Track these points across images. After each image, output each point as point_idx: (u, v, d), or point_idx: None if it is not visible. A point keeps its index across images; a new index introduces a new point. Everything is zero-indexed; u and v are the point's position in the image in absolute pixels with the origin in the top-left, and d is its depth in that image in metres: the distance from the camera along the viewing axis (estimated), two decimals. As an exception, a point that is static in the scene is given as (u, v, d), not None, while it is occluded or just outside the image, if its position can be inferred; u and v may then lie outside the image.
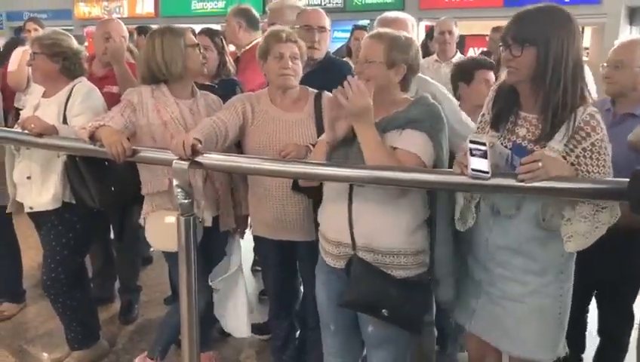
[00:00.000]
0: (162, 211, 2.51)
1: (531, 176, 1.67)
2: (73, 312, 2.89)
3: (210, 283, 2.62)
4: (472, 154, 1.68)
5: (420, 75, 2.37)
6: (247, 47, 3.69)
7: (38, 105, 2.79)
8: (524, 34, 1.76)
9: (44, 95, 2.83)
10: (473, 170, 1.68)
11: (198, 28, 4.63)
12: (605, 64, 2.52)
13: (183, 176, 2.10)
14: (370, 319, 2.04)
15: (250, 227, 2.70)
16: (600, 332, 2.71)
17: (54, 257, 2.77)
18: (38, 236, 2.94)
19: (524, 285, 1.90)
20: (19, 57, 4.84)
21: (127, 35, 3.43)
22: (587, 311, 2.80)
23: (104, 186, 2.60)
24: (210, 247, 2.57)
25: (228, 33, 3.69)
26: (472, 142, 1.69)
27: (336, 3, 14.11)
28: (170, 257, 2.55)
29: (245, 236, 2.88)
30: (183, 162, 2.09)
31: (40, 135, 2.47)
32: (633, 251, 2.36)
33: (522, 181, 1.68)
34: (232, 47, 3.82)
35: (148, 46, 2.50)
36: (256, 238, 2.66)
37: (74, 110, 2.70)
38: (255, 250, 3.88)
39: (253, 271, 4.20)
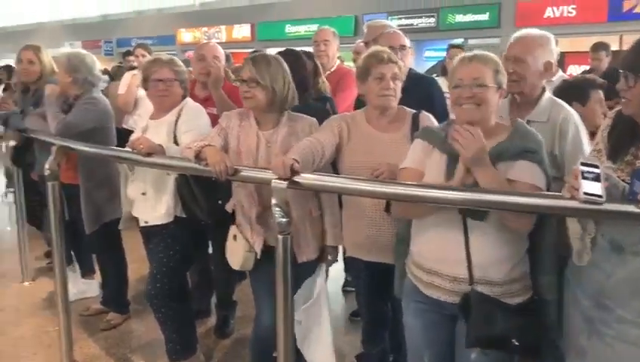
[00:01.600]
0: (235, 227, 2.62)
1: None
2: (174, 323, 3.00)
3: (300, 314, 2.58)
4: (584, 178, 1.57)
5: (555, 98, 2.37)
6: (333, 70, 3.77)
7: (146, 127, 2.96)
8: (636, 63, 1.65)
9: (153, 117, 2.99)
10: (585, 193, 1.57)
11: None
12: None
13: (282, 196, 2.14)
14: (472, 350, 1.95)
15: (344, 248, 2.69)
16: None
17: (161, 269, 2.90)
18: (146, 250, 3.11)
19: None
20: (128, 81, 5.20)
21: (220, 55, 3.53)
22: None
23: (213, 200, 2.74)
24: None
25: (325, 54, 3.78)
26: (583, 164, 1.59)
27: (429, 22, 14.04)
28: (251, 275, 2.69)
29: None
30: (281, 182, 2.13)
31: (148, 154, 2.61)
32: None
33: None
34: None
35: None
36: (348, 258, 2.65)
37: (183, 128, 2.84)
38: (347, 270, 3.86)
39: (344, 291, 4.19)
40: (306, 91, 3.04)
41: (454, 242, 1.94)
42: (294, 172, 2.12)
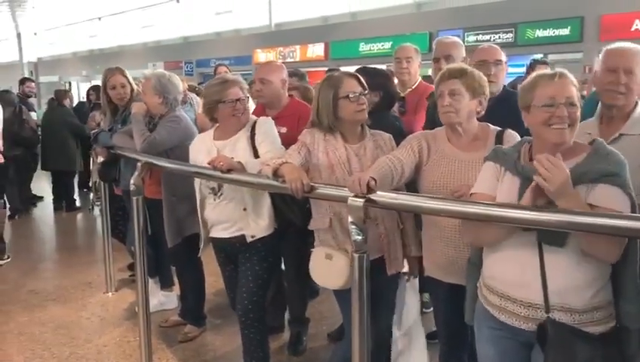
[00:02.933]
0: (323, 248, 2.60)
1: None
2: (262, 338, 3.03)
3: (397, 333, 2.65)
4: None
5: None
6: (414, 87, 3.73)
7: (215, 149, 2.96)
8: None
9: (217, 138, 3.02)
10: None
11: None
12: None
13: (358, 213, 2.12)
14: None
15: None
16: None
17: (257, 281, 2.95)
18: (222, 266, 3.18)
19: None
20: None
21: (277, 74, 3.45)
22: None
23: (303, 205, 2.81)
24: (378, 289, 2.54)
25: (407, 71, 3.76)
26: None
27: (507, 38, 13.70)
28: (339, 294, 2.61)
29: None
30: (358, 199, 2.12)
31: (228, 171, 2.67)
32: None
33: None
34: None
35: (315, 92, 2.65)
36: (427, 278, 2.60)
37: (260, 139, 2.92)
38: (425, 291, 3.79)
39: (422, 313, 4.10)
40: (390, 109, 3.08)
41: (529, 265, 1.85)
42: (370, 190, 2.11)
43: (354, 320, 2.20)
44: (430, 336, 3.53)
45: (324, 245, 2.64)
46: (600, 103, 2.42)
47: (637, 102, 2.34)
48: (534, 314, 1.86)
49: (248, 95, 3.06)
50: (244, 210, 2.92)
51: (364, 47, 17.17)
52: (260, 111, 3.50)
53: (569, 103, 1.82)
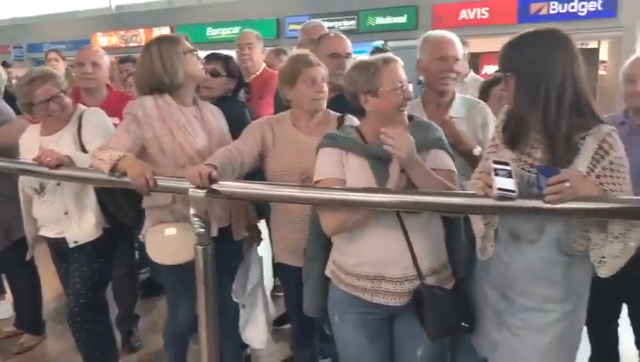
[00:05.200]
0: (161, 225, 2.47)
1: (559, 197, 1.60)
2: (97, 341, 2.86)
3: (235, 299, 2.65)
4: (497, 174, 1.63)
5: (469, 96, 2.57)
6: (258, 73, 3.72)
7: (39, 145, 2.70)
8: (507, 63, 1.80)
9: (43, 133, 2.77)
10: (499, 189, 1.62)
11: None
12: (628, 78, 2.49)
13: (201, 205, 2.08)
14: (421, 342, 2.00)
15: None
16: (638, 343, 2.67)
17: (85, 283, 2.74)
18: (57, 267, 2.95)
19: (546, 314, 1.83)
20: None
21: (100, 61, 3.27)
22: (617, 325, 2.77)
23: (136, 203, 2.58)
24: (227, 258, 2.52)
25: (249, 57, 3.72)
26: (495, 162, 1.65)
27: (350, 25, 14.22)
28: (168, 272, 2.54)
29: (265, 259, 2.87)
30: (200, 190, 2.07)
31: (57, 166, 2.45)
32: None
33: (549, 202, 1.61)
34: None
35: (145, 58, 2.47)
36: (277, 264, 2.63)
37: (88, 136, 2.69)
38: (276, 275, 3.84)
39: (273, 296, 4.15)
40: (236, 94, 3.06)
41: (397, 242, 1.96)
42: (212, 180, 2.06)
43: (200, 318, 2.16)
44: (277, 322, 3.59)
45: (159, 223, 2.49)
46: (426, 89, 2.59)
47: (454, 90, 2.56)
48: (410, 285, 1.96)
49: (66, 85, 2.79)
50: (66, 213, 2.70)
51: (211, 32, 16.84)
52: (76, 97, 3.17)
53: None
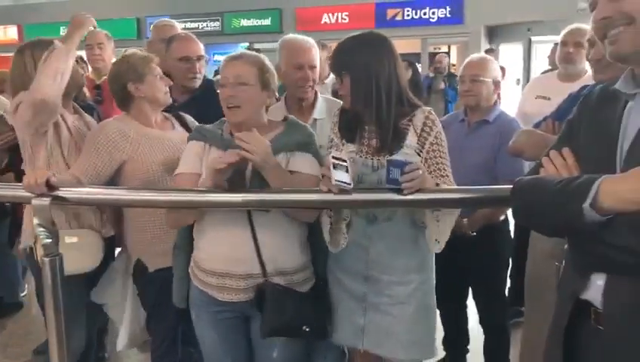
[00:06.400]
0: (62, 232, 2.26)
1: (414, 184, 1.73)
2: None
3: (95, 300, 2.51)
4: (335, 167, 1.72)
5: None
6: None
7: None
8: (342, 65, 1.96)
9: None
10: (337, 180, 1.72)
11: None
12: (461, 79, 2.74)
13: (45, 214, 1.95)
14: (275, 344, 2.01)
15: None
16: (482, 322, 2.91)
17: None
18: None
19: (407, 284, 1.99)
20: None
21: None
22: (466, 306, 3.01)
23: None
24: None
25: (100, 58, 3.54)
26: (334, 157, 1.74)
27: (214, 26, 14.06)
28: None
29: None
30: (43, 199, 1.94)
31: None
32: (494, 243, 2.66)
33: (406, 190, 1.73)
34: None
35: (18, 62, 2.35)
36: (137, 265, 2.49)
37: None
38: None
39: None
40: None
41: (243, 239, 1.96)
42: (52, 186, 1.95)
43: (50, 326, 2.03)
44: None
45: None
46: (287, 92, 2.63)
47: (316, 91, 2.63)
48: (254, 282, 1.97)
49: None
50: None
51: (64, 32, 15.78)
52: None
53: (237, 83, 1.95)
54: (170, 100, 2.46)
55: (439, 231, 1.91)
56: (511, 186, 1.40)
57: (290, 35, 2.68)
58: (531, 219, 1.38)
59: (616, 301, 1.22)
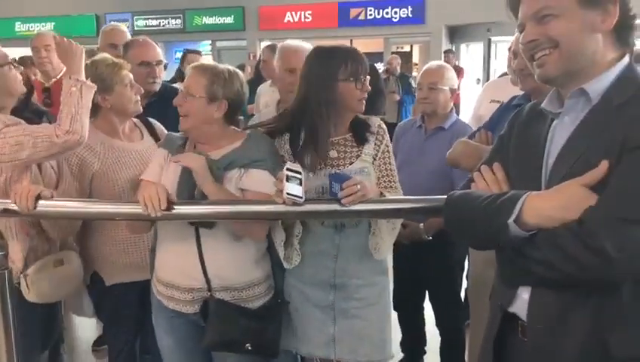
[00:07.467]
0: (47, 257, 2.21)
1: (353, 198, 1.73)
2: None
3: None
4: (288, 180, 1.71)
5: None
6: (59, 77, 3.49)
7: None
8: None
9: None
10: (288, 194, 1.70)
11: (22, 51, 4.28)
12: (419, 86, 2.79)
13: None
14: (229, 356, 2.00)
15: None
16: (438, 324, 2.97)
17: None
18: None
19: (375, 286, 2.04)
20: None
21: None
22: (423, 309, 3.08)
23: None
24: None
25: (48, 60, 3.46)
26: (288, 169, 1.72)
27: (176, 24, 13.90)
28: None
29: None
30: (-8, 211, 1.90)
31: None
32: (449, 247, 2.69)
33: (345, 204, 1.74)
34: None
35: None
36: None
37: None
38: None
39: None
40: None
41: (189, 253, 1.95)
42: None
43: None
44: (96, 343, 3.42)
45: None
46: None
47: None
48: (199, 295, 1.96)
49: None
50: None
51: (21, 27, 15.31)
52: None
53: (187, 93, 1.93)
54: (141, 109, 2.39)
55: (379, 240, 1.99)
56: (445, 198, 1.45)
57: (289, 40, 2.71)
58: (462, 233, 1.43)
59: (540, 314, 1.28)
